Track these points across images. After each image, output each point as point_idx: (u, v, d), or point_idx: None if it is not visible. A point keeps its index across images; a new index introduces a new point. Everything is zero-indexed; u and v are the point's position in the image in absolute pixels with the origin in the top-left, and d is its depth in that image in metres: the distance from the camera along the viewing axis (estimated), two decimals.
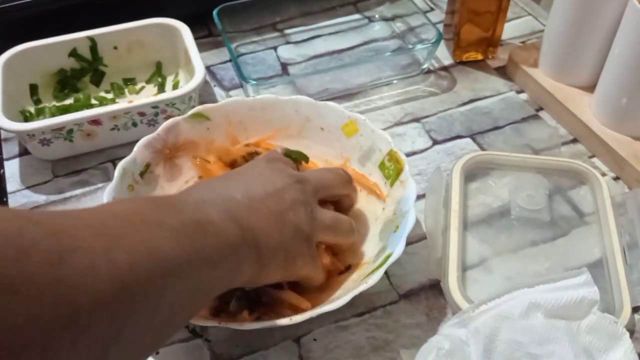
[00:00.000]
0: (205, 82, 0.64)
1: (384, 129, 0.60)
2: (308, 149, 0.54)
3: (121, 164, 0.48)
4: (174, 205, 0.35)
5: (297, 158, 0.52)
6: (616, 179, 0.56)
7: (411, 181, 0.47)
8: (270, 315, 0.43)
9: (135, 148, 0.49)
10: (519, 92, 0.66)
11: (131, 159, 0.49)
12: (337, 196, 0.49)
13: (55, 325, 0.23)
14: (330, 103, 0.54)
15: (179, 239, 0.31)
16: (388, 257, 0.43)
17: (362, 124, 0.53)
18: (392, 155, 0.50)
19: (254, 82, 0.61)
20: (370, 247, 0.48)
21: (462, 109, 0.64)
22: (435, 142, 0.61)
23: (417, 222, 0.50)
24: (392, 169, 0.50)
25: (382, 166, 0.51)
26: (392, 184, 0.50)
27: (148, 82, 0.67)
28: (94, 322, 0.25)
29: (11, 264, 0.23)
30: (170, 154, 0.51)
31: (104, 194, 0.46)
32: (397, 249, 0.43)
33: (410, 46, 0.70)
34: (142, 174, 0.49)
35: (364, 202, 0.52)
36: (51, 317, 0.23)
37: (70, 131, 0.56)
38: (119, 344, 0.27)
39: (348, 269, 0.47)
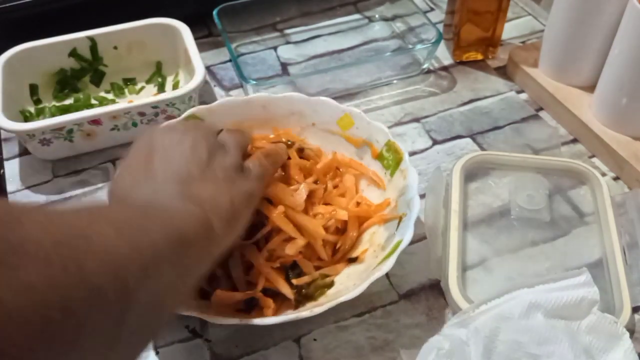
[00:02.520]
0: (205, 82, 0.64)
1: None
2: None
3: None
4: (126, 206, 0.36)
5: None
6: (616, 179, 0.56)
7: (412, 169, 0.48)
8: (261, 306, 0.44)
9: None
10: (519, 92, 0.66)
11: None
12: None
13: (68, 286, 0.23)
14: (324, 98, 0.54)
15: (147, 229, 0.32)
16: (399, 243, 0.43)
17: (357, 116, 0.53)
18: (390, 146, 0.51)
19: (254, 82, 0.61)
20: (374, 237, 0.49)
21: (462, 109, 0.64)
22: (435, 142, 0.61)
23: (418, 222, 0.50)
24: (391, 159, 0.50)
25: (380, 157, 0.52)
26: (392, 174, 0.50)
27: (148, 82, 0.67)
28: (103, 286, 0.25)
29: (9, 227, 0.22)
30: None
31: (105, 197, 0.45)
32: (407, 235, 0.43)
33: (410, 46, 0.70)
34: None
35: (364, 192, 0.52)
36: (64, 281, 0.23)
37: (70, 131, 0.56)
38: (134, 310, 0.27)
39: (354, 260, 0.48)
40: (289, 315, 0.41)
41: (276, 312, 0.44)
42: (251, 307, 0.45)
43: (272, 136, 0.54)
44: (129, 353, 0.29)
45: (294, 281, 0.45)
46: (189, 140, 0.41)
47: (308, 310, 0.41)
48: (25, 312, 0.21)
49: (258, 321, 0.40)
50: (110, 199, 0.40)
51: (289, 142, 0.52)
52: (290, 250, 0.44)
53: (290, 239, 0.45)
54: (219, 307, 0.44)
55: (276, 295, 0.45)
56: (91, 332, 0.24)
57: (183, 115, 0.52)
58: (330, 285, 0.46)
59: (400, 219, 0.46)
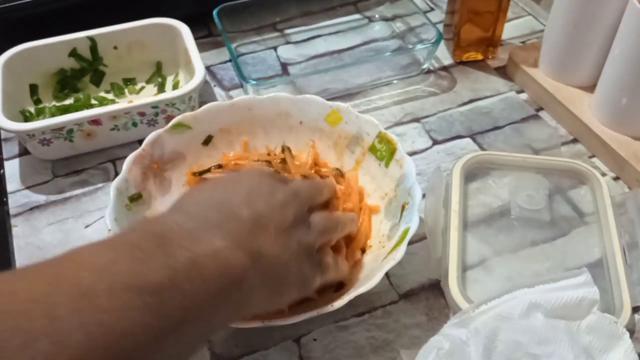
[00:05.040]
0: (205, 82, 0.64)
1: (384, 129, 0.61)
2: (295, 143, 0.54)
3: (114, 185, 0.46)
4: (163, 245, 0.30)
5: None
6: (616, 179, 0.56)
7: (407, 158, 0.48)
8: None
9: (124, 166, 0.48)
10: (519, 92, 0.66)
11: (122, 178, 0.47)
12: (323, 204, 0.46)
13: None
14: (309, 95, 0.54)
15: (161, 303, 0.27)
16: (406, 231, 0.44)
17: (345, 111, 0.53)
18: (382, 137, 0.51)
19: (254, 82, 0.61)
20: (379, 227, 0.49)
21: (462, 109, 0.64)
22: (435, 142, 0.61)
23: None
24: (384, 150, 0.51)
25: (372, 149, 0.52)
26: (387, 165, 0.51)
27: (148, 82, 0.67)
28: None
29: None
30: (158, 168, 0.51)
31: (106, 217, 0.44)
32: (413, 223, 0.44)
33: (410, 46, 0.70)
34: (132, 199, 0.48)
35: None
36: None
37: (70, 131, 0.56)
38: None
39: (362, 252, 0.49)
40: (310, 313, 0.40)
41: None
42: None
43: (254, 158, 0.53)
44: None
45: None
46: (282, 195, 0.38)
47: (329, 305, 0.40)
48: None
49: (280, 321, 0.40)
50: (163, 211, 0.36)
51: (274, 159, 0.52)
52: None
53: None
54: None
55: None
56: None
57: (169, 125, 0.51)
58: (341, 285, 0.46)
59: (404, 207, 0.47)
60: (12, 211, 0.55)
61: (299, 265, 0.37)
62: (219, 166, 0.52)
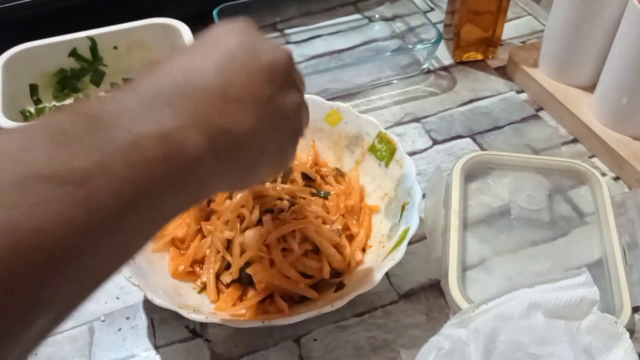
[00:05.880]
0: None
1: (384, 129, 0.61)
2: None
3: None
4: (96, 128, 0.25)
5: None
6: (616, 179, 0.56)
7: (407, 159, 0.49)
8: (265, 305, 0.45)
9: None
10: (519, 92, 0.66)
11: None
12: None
13: None
14: (309, 95, 0.54)
15: (89, 192, 0.23)
16: (406, 231, 0.44)
17: (345, 111, 0.53)
18: (382, 137, 0.51)
19: None
20: (379, 227, 0.49)
21: (462, 109, 0.64)
22: (435, 142, 0.61)
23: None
24: (384, 150, 0.51)
25: (372, 149, 0.52)
26: (387, 165, 0.51)
27: None
28: None
29: None
30: None
31: None
32: (413, 223, 0.44)
33: (410, 46, 0.70)
34: None
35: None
36: None
37: None
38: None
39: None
40: (310, 313, 0.40)
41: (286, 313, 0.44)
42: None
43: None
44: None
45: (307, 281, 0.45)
46: (269, 57, 0.32)
47: (329, 305, 0.40)
48: None
49: (280, 321, 0.40)
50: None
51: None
52: (325, 274, 0.45)
53: (307, 252, 0.45)
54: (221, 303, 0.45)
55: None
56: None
57: None
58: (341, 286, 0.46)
59: (404, 207, 0.47)
60: None
61: (277, 137, 0.33)
62: None
